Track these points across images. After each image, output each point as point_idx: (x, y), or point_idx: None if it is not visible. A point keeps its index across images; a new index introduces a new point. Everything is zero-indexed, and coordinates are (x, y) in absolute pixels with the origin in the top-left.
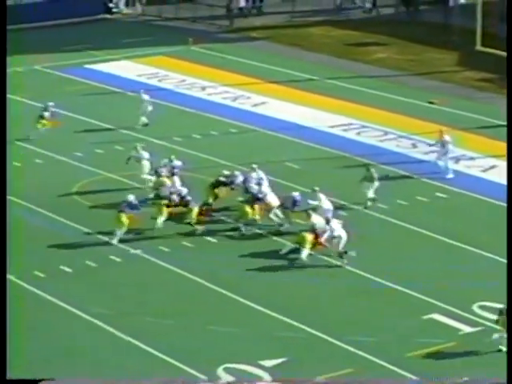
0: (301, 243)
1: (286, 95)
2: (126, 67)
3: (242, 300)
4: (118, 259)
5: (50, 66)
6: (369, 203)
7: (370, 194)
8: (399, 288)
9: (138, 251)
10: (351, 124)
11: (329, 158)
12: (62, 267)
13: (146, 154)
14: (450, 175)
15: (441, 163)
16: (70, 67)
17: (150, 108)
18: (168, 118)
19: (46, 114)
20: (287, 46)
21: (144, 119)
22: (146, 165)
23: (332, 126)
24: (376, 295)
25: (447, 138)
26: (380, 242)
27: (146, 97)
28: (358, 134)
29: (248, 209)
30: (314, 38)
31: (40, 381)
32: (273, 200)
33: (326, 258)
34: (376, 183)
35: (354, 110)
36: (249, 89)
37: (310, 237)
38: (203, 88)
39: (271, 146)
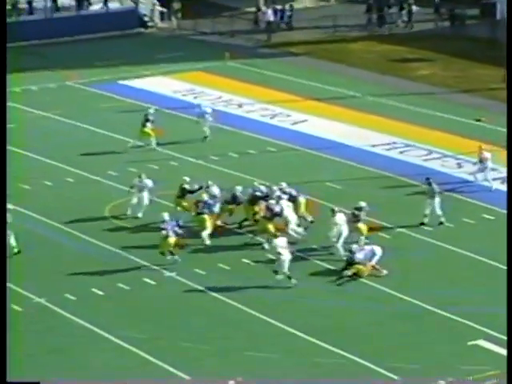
0: (358, 273)
1: (327, 112)
2: (161, 83)
3: (280, 325)
4: (152, 282)
5: (83, 82)
6: (425, 220)
7: (437, 210)
8: (443, 313)
9: (173, 274)
10: (394, 143)
11: (371, 178)
12: (93, 290)
13: (149, 183)
14: (492, 186)
15: (481, 177)
16: (103, 83)
17: (210, 120)
18: (199, 136)
19: (149, 124)
20: (328, 61)
21: (206, 130)
22: (145, 196)
23: (375, 145)
24: (419, 320)
25: (486, 154)
26: (424, 265)
27: (208, 110)
28: (402, 153)
29: (269, 225)
30: (356, 54)
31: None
32: (290, 215)
33: (368, 281)
34: (437, 198)
35: (397, 128)
36: (288, 106)
37: (366, 268)
38: (240, 105)
39: (311, 165)
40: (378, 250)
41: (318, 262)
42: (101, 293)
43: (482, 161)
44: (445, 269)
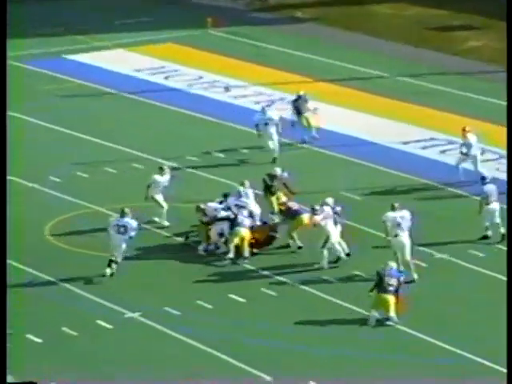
0: (384, 306)
1: (344, 99)
2: (120, 58)
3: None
4: (108, 325)
5: (16, 57)
6: (488, 232)
7: (496, 219)
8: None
9: (136, 314)
10: (433, 139)
11: (401, 186)
12: (28, 336)
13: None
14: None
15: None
16: (43, 58)
17: (276, 133)
18: (179, 130)
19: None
20: (344, 29)
21: (272, 147)
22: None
23: (407, 142)
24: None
25: (471, 138)
26: (473, 303)
27: (274, 116)
28: (443, 152)
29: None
30: (382, 19)
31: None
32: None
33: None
34: (495, 204)
35: (437, 119)
36: (291, 89)
37: (392, 300)
38: (227, 88)
39: (322, 169)
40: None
41: (339, 302)
42: (38, 340)
43: (466, 146)
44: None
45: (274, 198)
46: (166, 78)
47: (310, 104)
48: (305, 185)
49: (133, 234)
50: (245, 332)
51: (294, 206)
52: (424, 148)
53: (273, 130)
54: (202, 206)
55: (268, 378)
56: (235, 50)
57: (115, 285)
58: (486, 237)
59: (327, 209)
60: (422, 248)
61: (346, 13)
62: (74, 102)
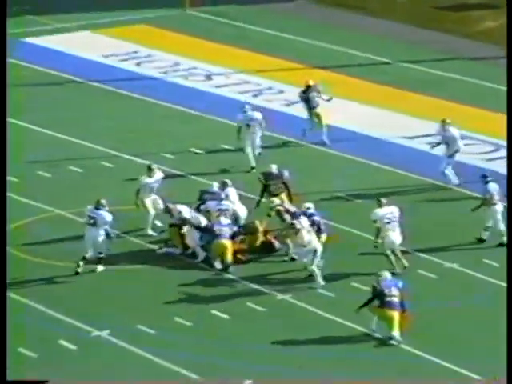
0: (388, 323)
1: (339, 88)
2: (86, 42)
3: None
4: (71, 346)
5: None
6: (484, 235)
7: (500, 225)
8: None
9: (105, 332)
10: (441, 134)
11: (407, 187)
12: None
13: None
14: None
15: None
16: None
17: (258, 132)
18: (154, 123)
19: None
20: (339, 9)
21: (250, 152)
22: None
23: (413, 137)
24: None
25: (453, 131)
26: (481, 311)
27: (257, 115)
28: None
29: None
30: None
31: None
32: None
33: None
34: (499, 206)
35: (448, 111)
36: (281, 77)
37: (397, 316)
38: (209, 76)
39: (318, 168)
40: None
41: (333, 318)
42: None
43: (446, 142)
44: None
45: (276, 200)
46: (139, 64)
47: (324, 96)
48: (298, 185)
49: (106, 228)
50: (228, 353)
51: (292, 209)
52: (431, 143)
53: (254, 133)
54: (170, 205)
55: None
56: (216, 32)
57: (80, 299)
58: (481, 240)
59: (304, 221)
60: (429, 256)
61: None
62: (33, 91)
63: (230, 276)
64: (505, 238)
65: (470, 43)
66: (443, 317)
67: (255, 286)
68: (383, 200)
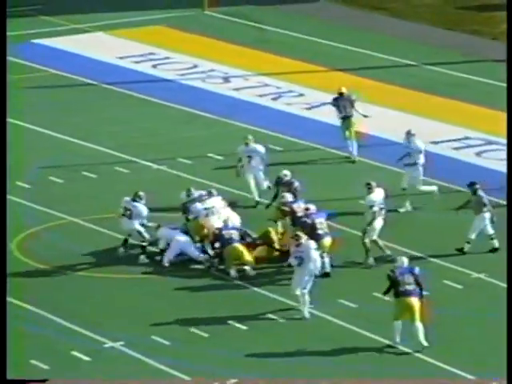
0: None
1: (362, 91)
2: (100, 44)
3: None
4: (85, 357)
5: None
6: (466, 246)
7: (489, 229)
8: None
9: (118, 343)
10: (468, 138)
11: (429, 195)
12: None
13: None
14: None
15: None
16: (9, 43)
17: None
18: (170, 128)
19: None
20: (362, 10)
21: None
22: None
23: (437, 142)
24: None
25: (419, 143)
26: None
27: (260, 148)
28: (478, 154)
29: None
30: None
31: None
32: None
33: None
34: (488, 214)
35: (472, 116)
36: (302, 80)
37: (417, 304)
38: (226, 79)
39: (338, 174)
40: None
41: (355, 329)
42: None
43: (414, 153)
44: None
45: (288, 195)
46: (155, 66)
47: (358, 106)
48: (318, 191)
49: (143, 221)
50: (245, 365)
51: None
52: (457, 149)
53: (256, 166)
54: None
55: None
56: (235, 33)
57: (94, 309)
58: (461, 250)
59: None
60: (455, 266)
61: None
62: (46, 94)
63: (248, 285)
64: (495, 241)
65: (494, 45)
66: (469, 328)
67: (274, 296)
68: (373, 183)
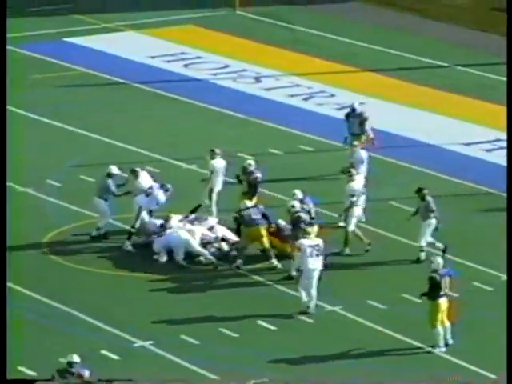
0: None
1: (394, 93)
2: (132, 43)
3: None
4: (114, 356)
5: (11, 40)
6: (422, 254)
7: (426, 238)
8: None
9: (148, 343)
10: (499, 140)
11: (461, 195)
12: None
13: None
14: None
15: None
16: (41, 41)
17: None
18: (200, 128)
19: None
20: (395, 11)
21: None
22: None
23: (470, 143)
24: None
25: (362, 154)
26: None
27: (218, 163)
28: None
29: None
30: None
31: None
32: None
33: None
34: (434, 220)
35: (504, 118)
36: (333, 81)
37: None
38: (258, 79)
39: (369, 176)
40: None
41: (385, 331)
42: (31, 373)
43: (352, 164)
44: None
45: (296, 203)
46: (186, 65)
47: (368, 127)
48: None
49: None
50: (274, 365)
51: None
52: (489, 150)
53: (214, 185)
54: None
55: None
56: (267, 33)
57: (123, 308)
58: (418, 260)
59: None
60: (485, 268)
61: None
62: (77, 93)
63: (278, 286)
64: (423, 254)
65: None
66: (499, 330)
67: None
68: (353, 171)
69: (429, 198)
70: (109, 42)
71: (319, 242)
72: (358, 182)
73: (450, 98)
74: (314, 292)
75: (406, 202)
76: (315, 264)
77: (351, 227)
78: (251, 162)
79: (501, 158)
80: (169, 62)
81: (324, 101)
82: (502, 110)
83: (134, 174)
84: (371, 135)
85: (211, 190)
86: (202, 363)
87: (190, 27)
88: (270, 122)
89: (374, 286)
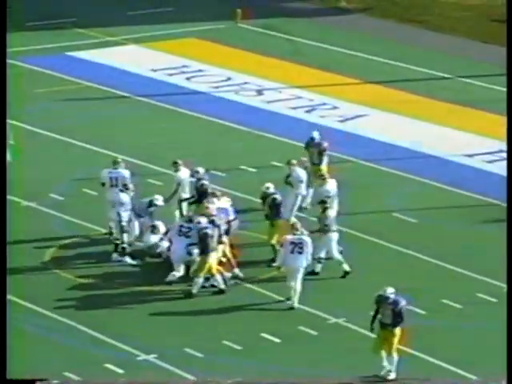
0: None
1: (397, 104)
2: (134, 56)
3: None
4: (117, 370)
5: (13, 53)
6: (318, 267)
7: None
8: None
9: (151, 356)
10: (502, 151)
11: (464, 207)
12: None
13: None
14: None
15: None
16: (44, 55)
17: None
18: (202, 141)
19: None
20: (397, 23)
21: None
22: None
23: (472, 155)
24: None
25: (298, 171)
26: None
27: (183, 173)
28: None
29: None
30: (444, 10)
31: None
32: None
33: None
34: (335, 235)
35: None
36: (335, 93)
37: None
38: (260, 91)
39: (372, 185)
40: None
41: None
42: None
43: (290, 183)
44: None
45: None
46: (188, 78)
47: (325, 159)
48: (351, 204)
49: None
50: (278, 377)
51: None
52: (491, 162)
53: (182, 196)
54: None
55: None
56: (269, 46)
57: (126, 321)
58: (314, 273)
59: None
60: (489, 279)
61: (400, 3)
62: (79, 106)
63: (281, 298)
64: (346, 266)
65: None
66: (503, 342)
67: (307, 309)
68: (326, 174)
69: (330, 212)
70: (111, 55)
71: (304, 239)
72: (332, 185)
73: (452, 110)
74: (297, 287)
75: (408, 213)
76: (296, 262)
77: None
78: (199, 169)
79: (504, 168)
80: (171, 75)
81: (327, 113)
82: (505, 121)
83: (175, 166)
84: (324, 167)
85: (180, 202)
86: (205, 376)
87: (191, 40)
88: (272, 134)
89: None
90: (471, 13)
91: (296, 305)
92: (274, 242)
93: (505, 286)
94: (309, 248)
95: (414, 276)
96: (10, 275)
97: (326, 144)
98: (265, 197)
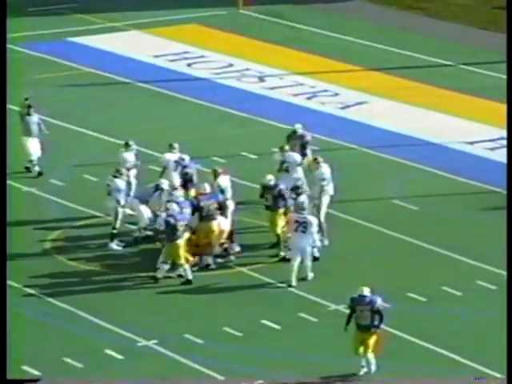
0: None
1: (397, 91)
2: (135, 42)
3: None
4: (118, 356)
5: (12, 39)
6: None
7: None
8: None
9: (151, 342)
10: (503, 138)
11: (464, 194)
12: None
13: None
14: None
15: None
16: (44, 41)
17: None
18: (203, 127)
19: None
20: (398, 9)
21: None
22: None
23: (473, 142)
24: None
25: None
26: None
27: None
28: None
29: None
30: None
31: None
32: None
33: None
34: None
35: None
36: (336, 80)
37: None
38: (261, 78)
39: (371, 173)
40: None
41: (392, 330)
42: (36, 372)
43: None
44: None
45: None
46: (190, 65)
47: (309, 150)
48: (351, 191)
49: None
50: (278, 364)
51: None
52: (492, 149)
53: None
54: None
55: None
56: (270, 32)
57: (126, 307)
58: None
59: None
60: (489, 267)
61: None
62: (80, 92)
63: (282, 285)
64: (311, 274)
65: None
66: (501, 329)
67: (307, 296)
68: (320, 158)
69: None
70: (112, 41)
71: (309, 219)
72: (326, 169)
73: (453, 97)
74: (308, 263)
75: (409, 200)
76: (300, 241)
77: (322, 216)
78: (185, 156)
79: (504, 156)
80: (172, 61)
81: (328, 100)
82: (505, 108)
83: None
84: (310, 158)
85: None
86: (205, 362)
87: (193, 26)
88: (273, 121)
89: (377, 284)
90: (472, 0)
91: (311, 275)
92: (279, 231)
93: (505, 273)
94: (313, 228)
95: (413, 263)
96: (10, 261)
97: (309, 137)
98: (266, 189)
